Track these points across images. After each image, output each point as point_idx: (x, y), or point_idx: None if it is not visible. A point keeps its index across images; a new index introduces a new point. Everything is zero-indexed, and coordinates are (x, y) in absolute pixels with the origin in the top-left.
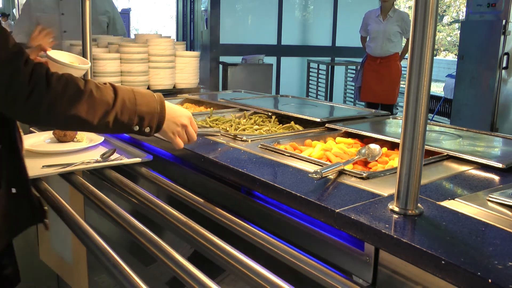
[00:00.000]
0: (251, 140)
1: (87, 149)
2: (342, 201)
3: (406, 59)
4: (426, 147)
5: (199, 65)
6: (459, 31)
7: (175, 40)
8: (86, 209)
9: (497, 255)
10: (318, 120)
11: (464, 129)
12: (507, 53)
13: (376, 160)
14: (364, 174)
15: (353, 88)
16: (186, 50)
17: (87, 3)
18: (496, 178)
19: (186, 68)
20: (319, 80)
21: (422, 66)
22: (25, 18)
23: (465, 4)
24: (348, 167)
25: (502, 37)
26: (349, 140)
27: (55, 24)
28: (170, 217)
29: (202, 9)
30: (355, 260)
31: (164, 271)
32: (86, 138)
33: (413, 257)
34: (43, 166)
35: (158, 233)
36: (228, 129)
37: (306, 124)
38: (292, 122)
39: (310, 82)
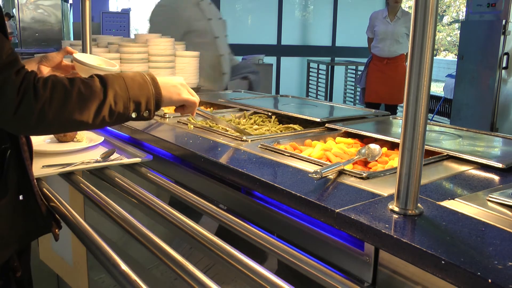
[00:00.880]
0: (251, 140)
1: (87, 149)
2: (342, 201)
3: None
4: (426, 147)
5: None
6: (459, 31)
7: (175, 40)
8: (86, 209)
9: (497, 255)
10: (318, 120)
11: (464, 129)
12: (507, 53)
13: (376, 160)
14: (364, 174)
15: (352, 88)
16: (186, 50)
17: (87, 3)
18: (496, 178)
19: (186, 68)
20: (319, 80)
21: (422, 66)
22: None
23: (465, 4)
24: (348, 167)
25: (502, 37)
26: (349, 140)
27: (208, 31)
28: (170, 217)
29: None
30: (355, 260)
31: (164, 271)
32: (86, 138)
33: (413, 257)
34: (43, 166)
35: (158, 233)
36: (227, 129)
37: (306, 124)
38: (292, 125)
39: (310, 82)
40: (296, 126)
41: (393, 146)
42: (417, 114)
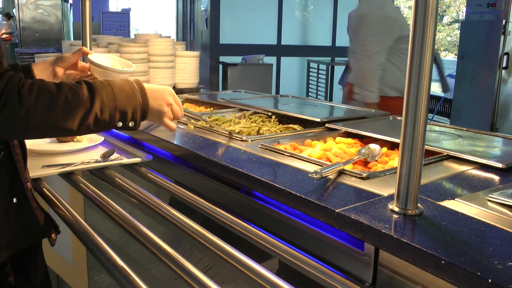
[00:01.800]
0: (251, 140)
1: (87, 149)
2: (342, 201)
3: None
4: (426, 147)
5: (199, 65)
6: (459, 31)
7: (175, 40)
8: (86, 209)
9: (497, 255)
10: (318, 120)
11: (464, 129)
12: (507, 53)
13: (376, 160)
14: (364, 174)
15: None
16: (186, 50)
17: (87, 3)
18: (496, 178)
19: (186, 68)
20: (319, 80)
21: (422, 66)
22: None
23: (465, 4)
24: (348, 167)
25: (502, 37)
26: (349, 140)
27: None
28: (170, 217)
29: (202, 9)
30: (355, 260)
31: (164, 271)
32: (86, 138)
33: (413, 257)
34: (43, 166)
35: (158, 233)
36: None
37: (306, 124)
38: (292, 125)
39: (310, 82)
40: (296, 126)
41: (393, 146)
42: (417, 114)
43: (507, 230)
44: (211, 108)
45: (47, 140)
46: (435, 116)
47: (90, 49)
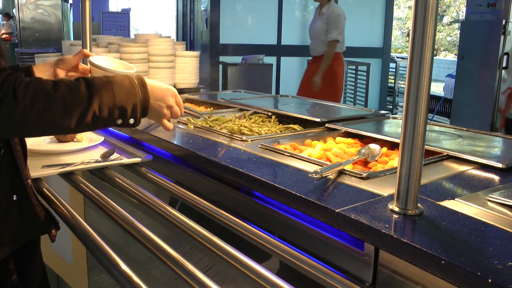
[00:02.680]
0: (251, 140)
1: (87, 149)
2: (342, 201)
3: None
4: (426, 147)
5: (199, 65)
6: (459, 31)
7: (175, 40)
8: (86, 209)
9: (497, 255)
10: (318, 120)
11: (464, 129)
12: (507, 53)
13: (376, 160)
14: (364, 174)
15: (352, 88)
16: (186, 50)
17: (87, 3)
18: (496, 178)
19: (186, 68)
20: None
21: (422, 66)
22: None
23: (465, 4)
24: (348, 167)
25: (502, 37)
26: (349, 140)
27: None
28: (170, 217)
29: (202, 9)
30: (355, 260)
31: (164, 271)
32: (86, 138)
33: (413, 257)
34: (43, 166)
35: (158, 233)
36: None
37: (306, 124)
38: (292, 125)
39: None
40: (296, 126)
41: (393, 146)
42: (417, 114)
43: (507, 230)
44: (211, 108)
45: (47, 140)
46: (435, 116)
47: (90, 49)
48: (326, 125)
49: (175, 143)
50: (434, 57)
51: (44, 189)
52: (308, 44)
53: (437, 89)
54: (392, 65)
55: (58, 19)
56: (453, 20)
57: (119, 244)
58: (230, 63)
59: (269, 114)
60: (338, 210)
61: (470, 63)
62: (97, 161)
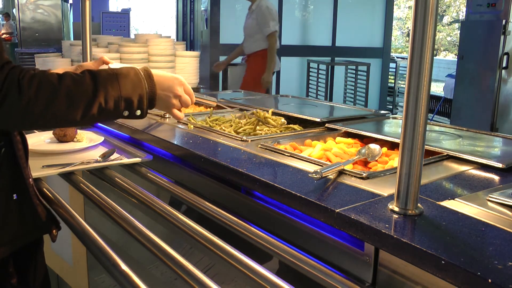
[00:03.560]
0: (251, 140)
1: (87, 149)
2: (342, 201)
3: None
4: (426, 147)
5: (199, 65)
6: (459, 31)
7: (175, 40)
8: (86, 209)
9: (497, 255)
10: (318, 120)
11: (464, 129)
12: (507, 53)
13: (376, 160)
14: (364, 174)
15: (352, 88)
16: (186, 50)
17: (87, 3)
18: (496, 178)
19: (186, 68)
20: (319, 80)
21: (422, 66)
22: None
23: (465, 4)
24: (348, 167)
25: (502, 37)
26: (349, 140)
27: None
28: (170, 217)
29: (202, 9)
30: (355, 260)
31: (164, 271)
32: (86, 138)
33: (413, 257)
34: (43, 166)
35: (158, 233)
36: (227, 129)
37: (306, 124)
38: (292, 125)
39: (310, 82)
40: (296, 126)
41: (393, 146)
42: (417, 114)
43: (507, 230)
44: (211, 108)
45: (47, 140)
46: (435, 116)
47: (90, 49)
48: (326, 125)
49: (175, 143)
50: (434, 57)
51: (44, 189)
52: (308, 44)
53: (437, 89)
54: (392, 65)
55: (58, 19)
56: (453, 20)
57: (119, 244)
58: (230, 63)
59: None
60: (338, 210)
61: (470, 63)
62: (97, 161)
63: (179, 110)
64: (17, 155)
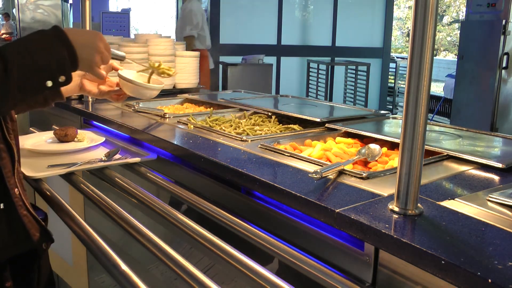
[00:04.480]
0: (251, 140)
1: (88, 149)
2: (342, 201)
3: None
4: (426, 147)
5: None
6: (459, 31)
7: (175, 40)
8: (86, 209)
9: (497, 255)
10: (318, 120)
11: (464, 129)
12: (507, 53)
13: (376, 160)
14: (364, 174)
15: (352, 88)
16: (186, 50)
17: (87, 3)
18: (496, 178)
19: (186, 68)
20: (319, 80)
21: (422, 66)
22: None
23: (465, 4)
24: (348, 167)
25: (502, 37)
26: (349, 140)
27: None
28: (170, 217)
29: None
30: (355, 260)
31: (164, 271)
32: (87, 138)
33: (413, 257)
34: (48, 166)
35: (158, 233)
36: (227, 129)
37: (306, 124)
38: (292, 125)
39: (310, 82)
40: (296, 127)
41: (393, 146)
42: (417, 114)
43: (507, 230)
44: (211, 108)
45: (49, 140)
46: (435, 116)
47: None
48: (326, 125)
49: (175, 143)
50: (434, 57)
51: (44, 189)
52: (308, 44)
53: (437, 89)
54: (392, 65)
55: (58, 19)
56: (453, 20)
57: (119, 244)
58: (230, 63)
59: (269, 114)
60: (338, 210)
61: (470, 63)
62: (101, 161)
63: (99, 67)
64: (0, 164)
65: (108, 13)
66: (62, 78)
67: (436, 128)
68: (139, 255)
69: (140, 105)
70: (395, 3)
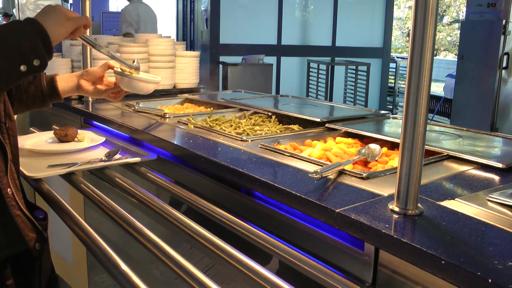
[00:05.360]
0: (251, 140)
1: (89, 149)
2: (342, 201)
3: None
4: (426, 147)
5: (199, 65)
6: (459, 31)
7: (175, 40)
8: (86, 209)
9: (497, 255)
10: (318, 120)
11: (464, 129)
12: (507, 53)
13: (376, 160)
14: (364, 174)
15: (352, 88)
16: (186, 50)
17: (87, 3)
18: (496, 178)
19: (186, 68)
20: (319, 80)
21: (422, 66)
22: None
23: (465, 4)
24: (348, 167)
25: (502, 37)
26: (349, 140)
27: None
28: (170, 217)
29: (202, 9)
30: (355, 260)
31: (164, 271)
32: (87, 138)
33: (413, 257)
34: (48, 166)
35: (158, 233)
36: (227, 129)
37: (306, 124)
38: (292, 125)
39: (310, 82)
40: (296, 127)
41: (393, 146)
42: (417, 114)
43: (507, 230)
44: (211, 108)
45: (49, 140)
46: (435, 116)
47: (90, 49)
48: (326, 125)
49: (175, 143)
50: (434, 57)
51: (44, 189)
52: (308, 44)
53: (437, 89)
54: (392, 65)
55: None
56: (453, 20)
57: (119, 244)
58: (230, 63)
59: (269, 114)
60: (338, 210)
61: (470, 63)
62: (102, 160)
63: (80, 32)
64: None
65: (108, 13)
66: (36, 62)
67: (436, 128)
68: (139, 255)
69: (140, 105)
70: (395, 3)
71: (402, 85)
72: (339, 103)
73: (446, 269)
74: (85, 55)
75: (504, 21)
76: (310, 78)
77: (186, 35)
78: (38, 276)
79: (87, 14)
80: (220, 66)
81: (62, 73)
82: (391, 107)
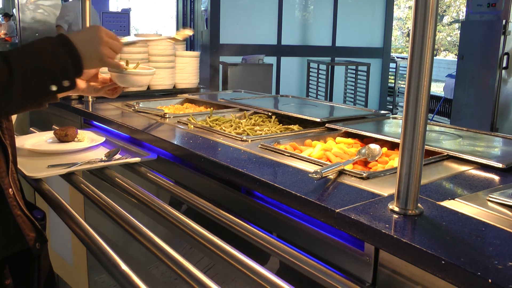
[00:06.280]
0: (251, 140)
1: (89, 149)
2: (342, 201)
3: None
4: (426, 147)
5: (199, 65)
6: (459, 31)
7: None
8: (86, 209)
9: (497, 255)
10: (318, 120)
11: (464, 129)
12: (507, 53)
13: (376, 160)
14: (364, 174)
15: (352, 88)
16: (186, 50)
17: (87, 3)
18: (496, 178)
19: (186, 68)
20: (319, 80)
21: (422, 66)
22: None
23: (465, 4)
24: (348, 167)
25: (502, 37)
26: (349, 140)
27: None
28: (170, 217)
29: (202, 9)
30: (355, 260)
31: (164, 271)
32: (87, 138)
33: (413, 257)
34: (48, 166)
35: (158, 233)
36: (227, 129)
37: (306, 124)
38: (292, 126)
39: (310, 82)
40: (296, 127)
41: (393, 146)
42: (417, 114)
43: (507, 230)
44: (211, 108)
45: (49, 140)
46: (435, 116)
47: None
48: (326, 125)
49: (175, 143)
50: (434, 57)
51: (44, 189)
52: (308, 44)
53: (437, 89)
54: (392, 65)
55: None
56: (453, 20)
57: (119, 244)
58: (230, 63)
59: (269, 114)
60: (338, 210)
61: (470, 63)
62: (102, 161)
63: (113, 58)
64: None
65: (108, 13)
66: (66, 83)
67: (436, 128)
68: (139, 255)
69: (140, 105)
70: (395, 3)
71: (402, 85)
72: (339, 103)
73: (446, 269)
74: None
75: (504, 21)
76: (310, 78)
77: None
78: (37, 276)
79: (87, 14)
80: (220, 66)
81: None
82: (391, 107)
